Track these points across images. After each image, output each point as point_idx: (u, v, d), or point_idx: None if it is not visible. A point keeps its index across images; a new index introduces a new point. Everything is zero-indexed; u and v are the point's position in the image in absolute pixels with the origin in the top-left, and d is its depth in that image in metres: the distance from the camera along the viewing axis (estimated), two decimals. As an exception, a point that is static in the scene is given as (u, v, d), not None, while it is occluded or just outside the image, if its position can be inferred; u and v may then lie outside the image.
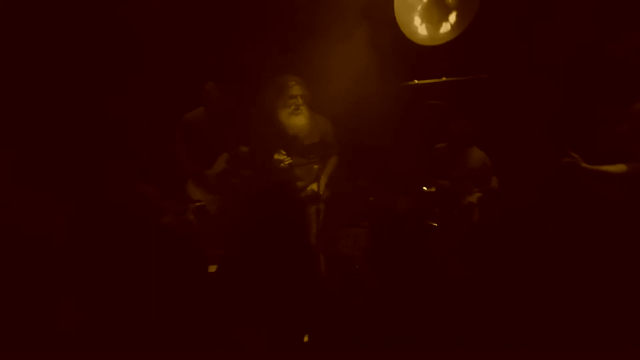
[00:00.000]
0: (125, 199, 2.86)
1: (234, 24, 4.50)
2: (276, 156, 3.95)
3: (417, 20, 4.24)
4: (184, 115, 4.27)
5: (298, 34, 4.21)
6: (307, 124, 3.95)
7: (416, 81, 4.10)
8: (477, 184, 4.02)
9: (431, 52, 4.27)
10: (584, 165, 2.96)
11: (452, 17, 4.15)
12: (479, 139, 4.14)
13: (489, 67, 4.05)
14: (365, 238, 4.05)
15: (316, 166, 3.95)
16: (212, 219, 4.22)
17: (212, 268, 3.65)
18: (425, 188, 4.07)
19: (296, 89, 3.87)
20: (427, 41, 4.25)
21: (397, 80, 4.25)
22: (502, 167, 4.09)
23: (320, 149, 4.03)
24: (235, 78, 4.36)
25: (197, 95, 4.26)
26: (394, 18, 4.27)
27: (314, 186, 3.97)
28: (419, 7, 4.21)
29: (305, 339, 2.32)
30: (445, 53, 4.21)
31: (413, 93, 4.23)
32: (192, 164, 4.23)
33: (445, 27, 4.17)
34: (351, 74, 4.05)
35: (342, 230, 4.20)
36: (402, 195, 3.81)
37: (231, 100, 4.25)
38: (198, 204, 4.17)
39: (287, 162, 3.93)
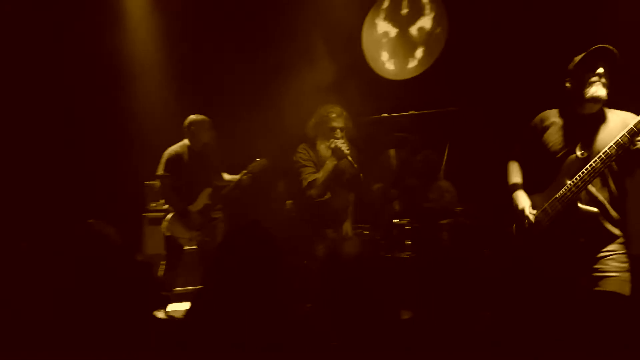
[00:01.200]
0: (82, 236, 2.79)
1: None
2: (332, 145, 3.55)
3: (384, 56, 4.37)
4: (168, 149, 4.22)
5: (267, 68, 4.25)
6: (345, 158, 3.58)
7: (385, 114, 4.17)
8: (445, 215, 4.06)
9: (399, 86, 4.37)
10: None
11: (419, 53, 4.28)
12: (445, 170, 4.20)
13: (456, 100, 4.15)
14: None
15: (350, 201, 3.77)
16: (189, 255, 4.15)
17: (177, 306, 3.58)
18: (396, 221, 4.10)
19: (338, 121, 3.60)
20: (394, 76, 4.37)
21: (366, 113, 4.32)
22: (469, 197, 4.15)
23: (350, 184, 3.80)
24: (219, 112, 4.34)
25: (182, 128, 4.25)
26: (363, 53, 4.37)
27: (347, 227, 3.77)
28: (387, 43, 4.33)
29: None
30: (413, 87, 4.32)
31: (382, 126, 4.30)
32: (178, 199, 4.16)
33: (412, 62, 4.30)
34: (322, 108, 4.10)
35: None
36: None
37: (215, 134, 4.24)
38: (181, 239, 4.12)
39: (345, 145, 3.53)
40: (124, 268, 2.41)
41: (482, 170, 4.14)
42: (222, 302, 2.37)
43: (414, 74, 4.32)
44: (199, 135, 4.19)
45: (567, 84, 2.78)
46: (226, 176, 4.31)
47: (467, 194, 4.10)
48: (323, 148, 3.61)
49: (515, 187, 2.90)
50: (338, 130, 3.58)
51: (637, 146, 2.54)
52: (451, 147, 4.18)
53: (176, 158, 4.17)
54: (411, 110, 4.13)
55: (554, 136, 2.76)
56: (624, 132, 2.54)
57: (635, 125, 2.51)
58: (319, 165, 3.61)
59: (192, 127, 4.18)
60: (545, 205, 2.75)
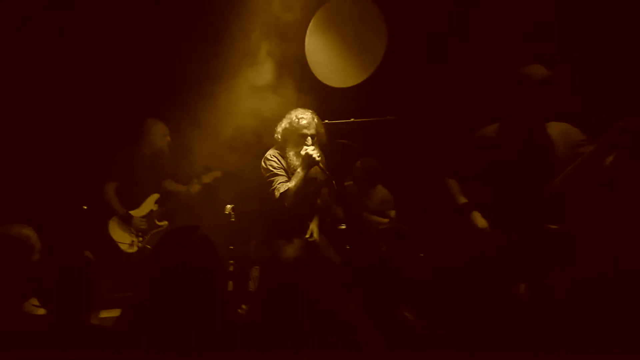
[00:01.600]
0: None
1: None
2: (303, 151, 3.43)
3: (326, 63, 4.42)
4: (117, 153, 4.10)
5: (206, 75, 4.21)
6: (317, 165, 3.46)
7: (326, 121, 4.22)
8: (383, 220, 4.18)
9: (341, 94, 4.45)
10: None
11: (360, 61, 4.37)
12: (383, 177, 4.31)
13: (395, 109, 4.26)
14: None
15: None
16: (127, 261, 4.06)
17: (108, 313, 3.49)
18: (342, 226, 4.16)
19: (309, 128, 3.48)
20: (336, 83, 4.44)
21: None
22: (405, 204, 4.28)
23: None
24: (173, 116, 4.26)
25: (135, 131, 4.14)
26: (305, 60, 4.42)
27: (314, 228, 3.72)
28: (329, 50, 4.40)
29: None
30: (354, 95, 4.40)
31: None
32: (119, 203, 4.05)
33: (353, 71, 4.38)
34: (262, 115, 4.11)
35: (254, 268, 4.17)
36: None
37: (169, 140, 4.16)
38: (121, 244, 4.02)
39: (316, 152, 3.42)
40: (47, 269, 2.35)
41: (418, 177, 4.28)
42: (154, 308, 2.33)
43: (355, 82, 4.40)
44: (153, 139, 4.12)
45: (507, 99, 2.88)
46: (175, 185, 4.25)
47: (404, 200, 4.22)
48: (293, 155, 3.52)
49: (468, 206, 3.01)
50: (309, 138, 3.48)
51: (608, 162, 2.59)
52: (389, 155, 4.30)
53: (125, 160, 4.09)
54: (352, 118, 4.21)
55: (502, 150, 2.86)
56: (591, 148, 2.61)
57: (602, 142, 2.56)
58: (289, 172, 3.52)
59: (148, 130, 4.11)
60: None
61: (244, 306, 3.79)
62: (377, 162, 4.31)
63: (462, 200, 3.06)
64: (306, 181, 3.46)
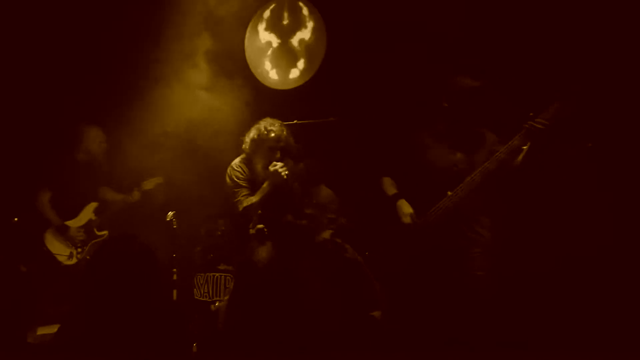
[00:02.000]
0: None
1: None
2: (272, 167, 3.36)
3: (267, 65, 4.43)
4: (50, 159, 3.91)
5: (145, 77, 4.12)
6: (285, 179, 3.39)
7: (269, 123, 4.20)
8: (327, 220, 4.20)
9: (283, 96, 4.46)
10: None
11: (300, 64, 4.39)
12: (326, 177, 4.33)
13: (336, 110, 4.31)
14: (225, 283, 4.01)
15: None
16: (65, 273, 3.89)
17: (47, 329, 3.35)
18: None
19: (277, 140, 3.41)
20: (278, 85, 4.44)
21: (250, 121, 4.34)
22: (349, 204, 4.33)
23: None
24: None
25: (69, 137, 3.96)
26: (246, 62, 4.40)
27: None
28: (269, 53, 4.40)
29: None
30: (296, 97, 4.43)
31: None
32: (54, 213, 3.86)
33: (294, 73, 4.40)
34: (204, 116, 4.06)
35: (199, 275, 4.10)
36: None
37: (106, 146, 4.01)
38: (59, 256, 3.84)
39: (285, 170, 3.36)
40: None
41: (359, 177, 4.35)
42: (93, 320, 2.26)
43: (296, 85, 4.42)
44: (89, 145, 3.97)
45: (445, 104, 3.12)
46: (113, 193, 4.11)
47: (347, 200, 4.27)
48: (261, 167, 3.43)
49: (397, 196, 3.21)
50: (278, 152, 3.41)
51: (518, 160, 2.91)
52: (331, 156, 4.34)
53: (59, 167, 3.92)
54: (295, 120, 4.22)
55: (436, 152, 3.12)
56: (503, 148, 2.91)
57: (512, 143, 2.89)
58: (255, 183, 3.43)
59: (83, 136, 3.96)
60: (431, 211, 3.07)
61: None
62: (320, 163, 4.34)
63: (392, 191, 3.24)
64: (270, 195, 3.40)
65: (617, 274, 3.31)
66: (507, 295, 3.12)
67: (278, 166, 3.35)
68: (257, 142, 3.44)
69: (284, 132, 3.48)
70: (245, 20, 4.40)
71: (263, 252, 3.66)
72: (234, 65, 4.24)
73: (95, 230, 4.00)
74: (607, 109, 3.45)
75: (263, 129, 3.45)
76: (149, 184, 4.07)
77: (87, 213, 4.00)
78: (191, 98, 3.95)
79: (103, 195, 4.08)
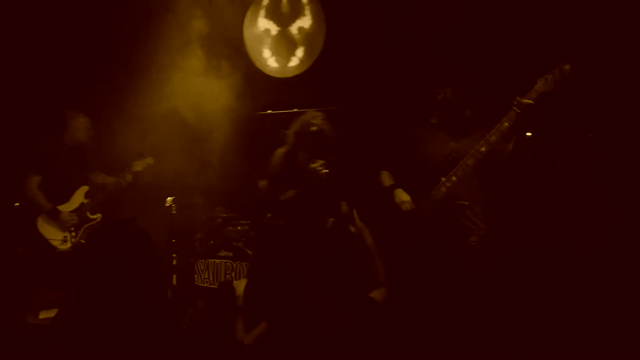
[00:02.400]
0: None
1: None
2: (312, 165, 3.29)
3: (266, 53, 4.43)
4: (37, 144, 3.94)
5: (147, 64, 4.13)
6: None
7: (270, 111, 4.24)
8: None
9: (283, 84, 4.47)
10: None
11: (300, 52, 4.40)
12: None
13: (338, 99, 4.32)
14: (225, 269, 4.05)
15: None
16: (60, 258, 3.93)
17: (47, 313, 3.40)
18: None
19: (318, 134, 3.31)
20: (277, 73, 4.45)
21: (251, 109, 4.37)
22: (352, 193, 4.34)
23: None
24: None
25: (56, 123, 3.99)
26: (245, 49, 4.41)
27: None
28: (268, 41, 4.40)
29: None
30: (296, 85, 4.43)
31: (267, 123, 4.36)
32: (44, 198, 3.89)
33: (294, 61, 4.41)
34: (204, 103, 4.08)
35: (199, 261, 4.14)
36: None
37: (93, 133, 4.03)
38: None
39: (323, 169, 3.30)
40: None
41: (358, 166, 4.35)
42: (89, 305, 2.29)
43: (296, 73, 4.43)
44: (75, 132, 3.99)
45: (440, 96, 3.12)
46: (104, 177, 4.13)
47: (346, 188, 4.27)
48: (302, 161, 3.36)
49: (394, 187, 3.23)
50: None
51: (509, 146, 2.94)
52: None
53: (46, 152, 3.94)
54: (295, 108, 4.23)
55: (430, 143, 3.14)
56: (493, 130, 2.92)
57: (501, 125, 2.91)
58: (295, 173, 3.36)
59: (69, 123, 3.98)
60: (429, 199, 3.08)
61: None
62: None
63: (389, 183, 3.26)
64: (308, 193, 3.34)
65: (614, 267, 3.31)
66: (500, 288, 3.12)
67: (317, 164, 3.30)
68: (299, 134, 3.39)
69: (327, 126, 3.38)
70: (244, 6, 4.40)
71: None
72: (231, 52, 4.24)
73: (88, 213, 4.02)
74: (608, 99, 3.44)
75: (305, 122, 3.39)
76: (139, 165, 4.07)
77: (79, 197, 4.02)
78: (187, 83, 3.98)
79: (95, 179, 4.10)
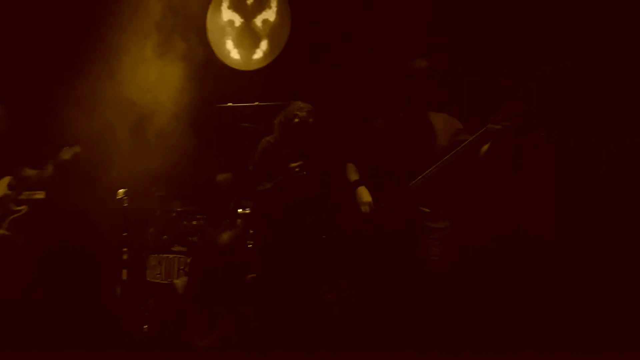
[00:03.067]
0: None
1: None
2: (292, 165, 3.27)
3: (229, 45, 4.33)
4: None
5: (106, 52, 3.97)
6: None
7: (230, 104, 4.14)
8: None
9: (245, 76, 4.38)
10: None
11: (264, 45, 4.31)
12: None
13: (300, 93, 4.26)
14: (177, 264, 3.93)
15: None
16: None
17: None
18: (240, 210, 4.10)
19: (302, 126, 3.28)
20: (240, 66, 4.36)
21: (212, 102, 4.27)
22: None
23: None
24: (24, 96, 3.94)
25: None
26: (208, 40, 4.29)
27: None
28: (231, 32, 4.30)
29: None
30: (259, 78, 4.35)
31: (227, 115, 4.27)
32: None
33: (258, 54, 4.32)
34: (164, 94, 3.95)
35: (152, 256, 4.00)
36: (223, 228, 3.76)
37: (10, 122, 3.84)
38: None
39: (302, 171, 3.28)
40: None
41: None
42: (36, 296, 2.21)
43: (259, 66, 4.35)
44: None
45: (402, 89, 3.06)
46: (30, 171, 3.94)
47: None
48: (285, 152, 3.34)
49: (357, 183, 3.16)
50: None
51: (480, 154, 2.90)
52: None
53: None
54: (256, 102, 4.16)
55: (391, 139, 3.05)
56: (463, 144, 2.87)
57: (472, 140, 2.86)
58: (278, 164, 3.33)
59: None
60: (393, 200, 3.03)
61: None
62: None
63: (354, 177, 3.18)
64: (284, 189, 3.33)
65: (573, 264, 3.39)
66: (461, 283, 3.14)
67: (296, 164, 3.26)
68: (283, 125, 3.33)
69: (311, 119, 3.32)
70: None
71: (225, 236, 3.63)
72: (199, 45, 4.14)
73: (11, 205, 3.84)
74: (559, 102, 3.52)
75: (289, 113, 3.33)
76: (66, 154, 3.90)
77: (1, 188, 3.85)
78: (143, 70, 3.84)
79: (19, 172, 3.92)
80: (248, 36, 4.30)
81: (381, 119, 3.17)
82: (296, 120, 3.28)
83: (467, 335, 2.90)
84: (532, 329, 2.99)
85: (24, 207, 3.85)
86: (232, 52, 4.34)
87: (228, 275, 3.45)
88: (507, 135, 2.79)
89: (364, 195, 3.09)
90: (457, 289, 3.03)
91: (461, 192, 3.21)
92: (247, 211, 3.99)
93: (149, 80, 3.85)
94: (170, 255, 3.95)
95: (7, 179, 3.85)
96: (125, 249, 3.59)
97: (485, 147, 2.89)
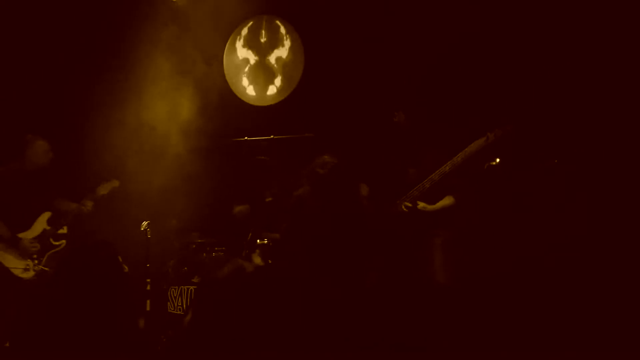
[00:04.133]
0: None
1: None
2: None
3: (245, 82, 4.51)
4: None
5: (127, 87, 4.15)
6: None
7: (246, 138, 4.28)
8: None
9: (261, 112, 4.53)
10: (421, 207, 3.33)
11: (278, 81, 4.49)
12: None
13: (314, 127, 4.39)
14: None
15: None
16: (24, 287, 3.80)
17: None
18: (258, 240, 4.17)
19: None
20: (255, 102, 4.52)
21: (229, 136, 4.41)
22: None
23: None
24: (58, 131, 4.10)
25: (13, 148, 3.92)
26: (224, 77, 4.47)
27: None
28: (246, 70, 4.48)
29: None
30: (273, 113, 4.50)
31: (244, 149, 4.40)
32: (3, 226, 3.79)
33: (272, 90, 4.49)
34: (180, 130, 4.10)
35: (172, 288, 4.07)
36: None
37: (52, 156, 3.98)
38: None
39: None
40: None
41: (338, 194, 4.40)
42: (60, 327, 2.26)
43: (274, 101, 4.50)
44: (34, 156, 3.92)
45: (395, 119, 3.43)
46: (67, 203, 4.04)
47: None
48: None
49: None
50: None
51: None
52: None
53: (5, 180, 3.86)
54: (271, 135, 4.29)
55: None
56: (459, 155, 3.06)
57: (464, 153, 3.05)
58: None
59: (28, 147, 3.92)
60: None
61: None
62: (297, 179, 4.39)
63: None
64: None
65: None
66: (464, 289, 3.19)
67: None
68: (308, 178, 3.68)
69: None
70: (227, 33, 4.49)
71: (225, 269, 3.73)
72: (215, 80, 4.31)
73: (51, 240, 3.92)
74: (570, 128, 3.62)
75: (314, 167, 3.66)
76: (104, 189, 4.00)
77: (41, 223, 3.91)
78: (163, 105, 4.02)
79: (58, 205, 4.01)
80: (262, 73, 4.47)
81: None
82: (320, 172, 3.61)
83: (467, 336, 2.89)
84: (531, 329, 2.99)
85: (62, 242, 3.93)
86: (247, 88, 4.51)
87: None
88: (497, 147, 3.01)
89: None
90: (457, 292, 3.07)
91: (465, 204, 3.34)
92: (265, 242, 4.07)
93: (165, 113, 4.01)
94: (191, 287, 4.02)
95: (47, 214, 3.93)
96: (148, 280, 3.66)
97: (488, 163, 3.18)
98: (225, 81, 4.49)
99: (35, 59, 4.31)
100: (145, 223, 3.67)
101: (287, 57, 4.48)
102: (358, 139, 4.32)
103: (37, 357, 2.31)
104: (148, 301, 3.64)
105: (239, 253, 4.09)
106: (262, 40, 4.50)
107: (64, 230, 3.93)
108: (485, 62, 3.97)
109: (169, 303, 4.06)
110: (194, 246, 4.21)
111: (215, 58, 4.22)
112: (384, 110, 4.17)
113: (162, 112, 4.04)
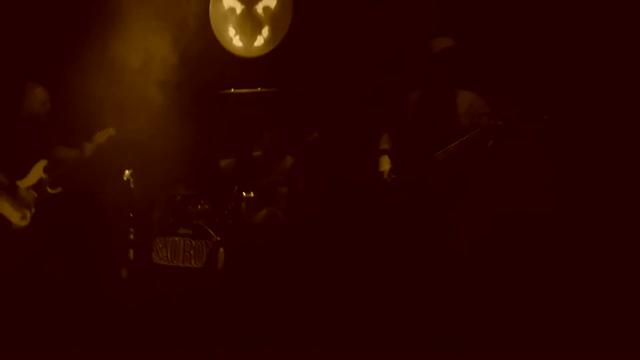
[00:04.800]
0: None
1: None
2: None
3: (231, 32, 4.40)
4: None
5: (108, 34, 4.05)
6: None
7: (233, 90, 4.21)
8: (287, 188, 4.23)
9: (248, 63, 4.44)
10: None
11: (265, 31, 4.38)
12: (291, 147, 4.35)
13: (302, 79, 4.32)
14: (184, 247, 4.00)
15: None
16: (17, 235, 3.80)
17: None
18: (244, 193, 4.16)
19: None
20: (242, 52, 4.42)
21: (214, 88, 4.34)
22: (313, 172, 4.36)
23: None
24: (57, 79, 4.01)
25: (11, 96, 3.84)
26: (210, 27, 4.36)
27: None
28: (233, 19, 4.37)
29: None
30: (261, 65, 4.41)
31: (230, 102, 4.34)
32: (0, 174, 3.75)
33: (259, 41, 4.39)
34: (166, 80, 4.02)
35: (157, 239, 4.07)
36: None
37: (49, 103, 3.90)
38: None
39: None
40: None
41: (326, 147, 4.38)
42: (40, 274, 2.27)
43: (261, 53, 4.41)
44: (30, 105, 3.85)
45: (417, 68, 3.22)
46: (67, 150, 3.99)
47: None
48: None
49: (383, 152, 3.34)
50: None
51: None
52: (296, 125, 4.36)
53: (1, 128, 3.79)
54: (259, 88, 4.22)
55: (416, 112, 3.20)
56: (470, 134, 2.98)
57: (472, 135, 2.99)
58: None
59: (26, 95, 3.84)
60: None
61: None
62: (285, 133, 4.35)
63: (383, 146, 3.36)
64: None
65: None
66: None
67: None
68: None
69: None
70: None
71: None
72: (201, 31, 4.21)
73: (47, 188, 3.89)
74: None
75: None
76: (101, 137, 3.95)
77: (37, 172, 3.88)
78: (151, 61, 3.93)
79: (57, 153, 3.96)
80: (249, 23, 4.36)
81: (413, 96, 3.28)
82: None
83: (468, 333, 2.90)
84: (531, 329, 3.00)
85: (59, 190, 3.87)
86: (234, 39, 4.41)
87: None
88: (504, 132, 2.97)
89: (384, 163, 3.27)
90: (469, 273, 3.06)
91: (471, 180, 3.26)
92: (252, 195, 4.06)
93: (155, 70, 3.92)
94: (176, 238, 4.02)
95: (43, 163, 3.87)
96: (132, 230, 3.66)
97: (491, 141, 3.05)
98: (212, 31, 4.38)
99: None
100: (127, 172, 3.64)
101: (275, 6, 4.36)
102: (349, 93, 4.26)
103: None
104: (131, 251, 3.64)
105: (225, 206, 4.09)
106: (250, -12, 4.37)
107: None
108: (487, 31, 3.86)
109: (153, 254, 4.07)
110: (179, 198, 4.19)
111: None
112: (373, 63, 4.11)
113: (146, 57, 3.95)
